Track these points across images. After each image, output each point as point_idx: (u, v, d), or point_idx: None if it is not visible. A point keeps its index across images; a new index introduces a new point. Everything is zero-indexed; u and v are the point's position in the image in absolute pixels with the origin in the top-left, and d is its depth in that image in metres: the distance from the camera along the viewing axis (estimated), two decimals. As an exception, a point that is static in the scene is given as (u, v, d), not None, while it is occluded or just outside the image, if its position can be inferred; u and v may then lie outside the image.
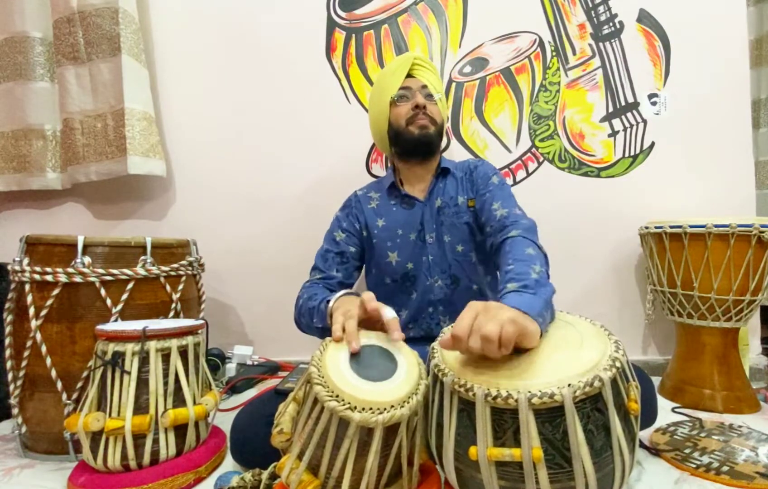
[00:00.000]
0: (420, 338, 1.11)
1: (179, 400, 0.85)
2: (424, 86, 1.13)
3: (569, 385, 0.53)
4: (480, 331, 0.57)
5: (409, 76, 1.14)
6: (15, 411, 0.97)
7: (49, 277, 0.94)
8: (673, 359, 1.33)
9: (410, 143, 1.12)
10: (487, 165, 1.17)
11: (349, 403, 0.59)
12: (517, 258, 0.82)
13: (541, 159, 1.55)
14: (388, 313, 0.75)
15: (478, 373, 0.59)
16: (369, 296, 0.76)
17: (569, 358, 0.58)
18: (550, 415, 0.53)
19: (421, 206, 1.13)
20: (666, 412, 1.15)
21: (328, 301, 0.89)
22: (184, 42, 1.61)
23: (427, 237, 1.12)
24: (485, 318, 0.59)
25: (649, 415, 0.92)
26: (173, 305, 1.08)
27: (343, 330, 0.72)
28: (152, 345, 0.82)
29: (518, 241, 0.88)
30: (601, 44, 1.53)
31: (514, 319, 0.59)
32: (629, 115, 1.52)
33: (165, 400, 0.83)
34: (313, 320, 0.95)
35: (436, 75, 1.18)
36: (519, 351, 0.62)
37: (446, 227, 1.11)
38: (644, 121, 1.52)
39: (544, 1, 1.54)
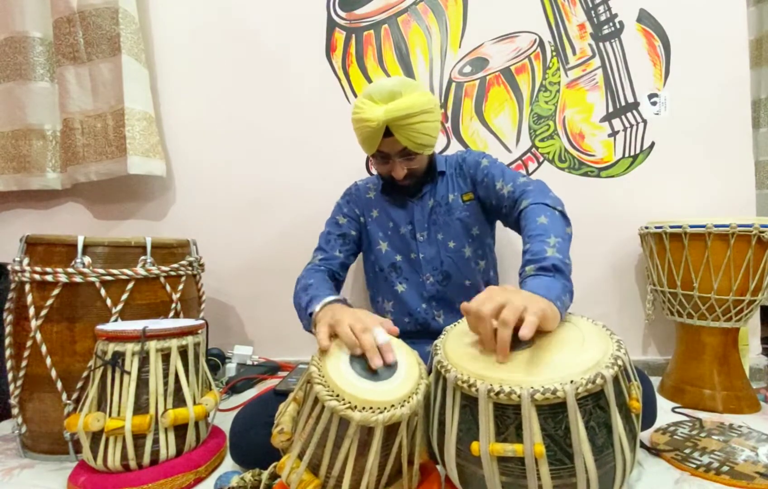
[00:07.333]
0: (416, 332, 1.12)
1: (179, 400, 0.85)
2: (404, 149, 1.01)
3: (572, 381, 0.53)
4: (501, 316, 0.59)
5: (387, 133, 0.98)
6: (15, 411, 0.97)
7: (49, 277, 0.94)
8: (673, 359, 1.33)
9: (392, 186, 1.15)
10: (473, 153, 1.17)
11: (349, 403, 0.59)
12: (531, 233, 0.81)
13: (541, 159, 1.55)
14: (381, 337, 0.71)
15: (480, 369, 0.59)
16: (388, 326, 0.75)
17: (571, 356, 0.58)
18: (552, 412, 0.53)
19: (413, 205, 1.14)
20: (666, 412, 1.15)
21: (312, 312, 0.86)
22: (184, 42, 1.62)
23: (417, 235, 1.13)
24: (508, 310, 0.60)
25: (648, 416, 0.92)
26: (173, 305, 1.08)
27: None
28: (152, 345, 0.82)
29: (530, 211, 0.87)
30: (601, 44, 1.53)
31: (537, 308, 0.61)
32: (629, 115, 1.52)
33: (165, 400, 0.82)
34: (302, 321, 0.94)
35: (422, 121, 0.97)
36: (528, 342, 0.62)
37: (439, 226, 1.12)
38: (644, 121, 1.52)
39: (544, 1, 1.54)
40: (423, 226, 1.13)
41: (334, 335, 0.72)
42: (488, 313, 0.61)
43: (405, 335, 0.77)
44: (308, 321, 0.88)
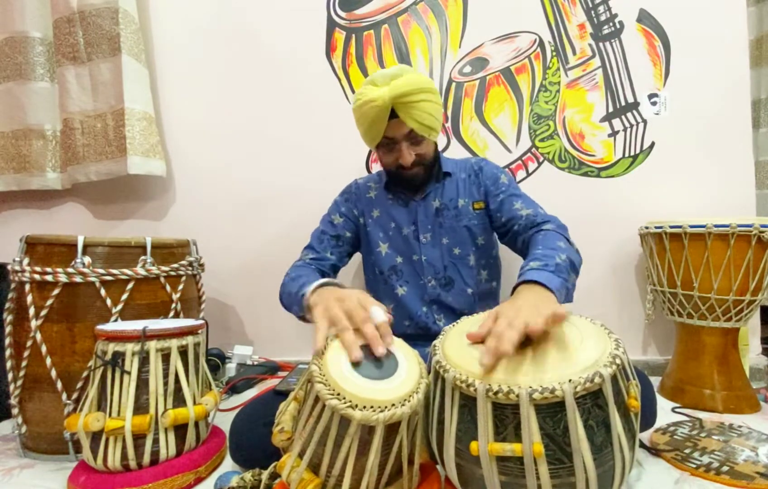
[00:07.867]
0: (418, 335, 1.11)
1: (179, 400, 0.85)
2: (410, 132, 1.00)
3: (570, 380, 0.53)
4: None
5: (393, 115, 0.98)
6: (15, 411, 0.97)
7: (49, 277, 0.94)
8: (673, 359, 1.32)
9: (398, 181, 1.12)
10: (492, 164, 1.17)
11: (350, 402, 0.58)
12: (546, 246, 0.85)
13: (541, 159, 1.55)
14: (379, 317, 0.72)
15: (479, 369, 0.59)
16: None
17: (570, 355, 0.58)
18: (550, 411, 0.53)
19: (416, 205, 1.13)
20: (666, 412, 1.15)
21: (304, 294, 0.85)
22: (184, 42, 1.62)
23: (421, 237, 1.12)
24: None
25: (648, 416, 0.92)
26: (173, 305, 1.08)
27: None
28: (152, 345, 0.82)
29: (551, 234, 0.91)
30: (601, 44, 1.53)
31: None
32: (629, 115, 1.52)
33: (165, 400, 0.82)
34: (293, 308, 0.93)
35: (425, 99, 0.97)
36: (527, 342, 0.62)
37: (445, 230, 1.11)
38: (644, 121, 1.52)
39: (544, 1, 1.54)
40: (427, 227, 1.12)
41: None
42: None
43: (405, 338, 0.77)
44: (300, 305, 0.86)
